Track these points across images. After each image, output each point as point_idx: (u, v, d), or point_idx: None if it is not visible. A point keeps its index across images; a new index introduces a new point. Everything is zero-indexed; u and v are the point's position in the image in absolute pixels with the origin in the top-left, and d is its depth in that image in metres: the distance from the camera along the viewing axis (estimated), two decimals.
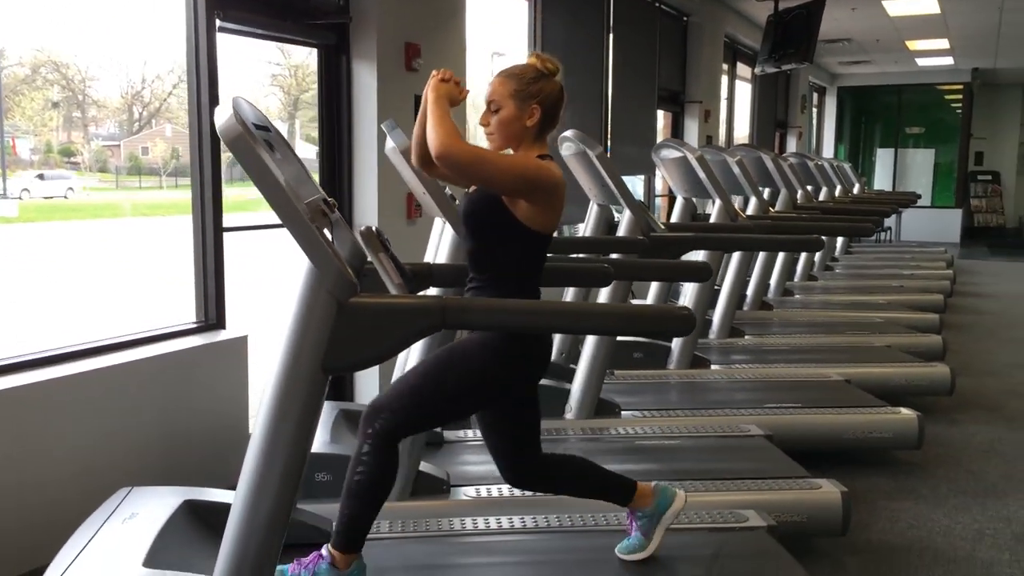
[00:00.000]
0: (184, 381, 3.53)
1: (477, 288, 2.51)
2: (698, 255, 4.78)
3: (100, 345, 3.40)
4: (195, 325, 3.78)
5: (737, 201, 6.29)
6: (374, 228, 2.43)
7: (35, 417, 3.03)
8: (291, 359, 2.10)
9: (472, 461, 3.64)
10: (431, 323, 2.13)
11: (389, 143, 3.31)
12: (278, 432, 2.12)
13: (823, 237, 4.42)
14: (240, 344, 3.78)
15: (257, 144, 2.02)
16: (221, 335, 3.78)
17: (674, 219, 5.70)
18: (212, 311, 3.81)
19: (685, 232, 4.20)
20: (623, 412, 4.23)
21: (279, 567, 2.44)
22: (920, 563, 3.33)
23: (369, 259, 2.38)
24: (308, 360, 2.09)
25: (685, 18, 9.32)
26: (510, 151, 2.52)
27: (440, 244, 3.25)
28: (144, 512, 2.61)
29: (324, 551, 2.43)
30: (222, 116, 2.00)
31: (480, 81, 5.33)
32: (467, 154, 2.34)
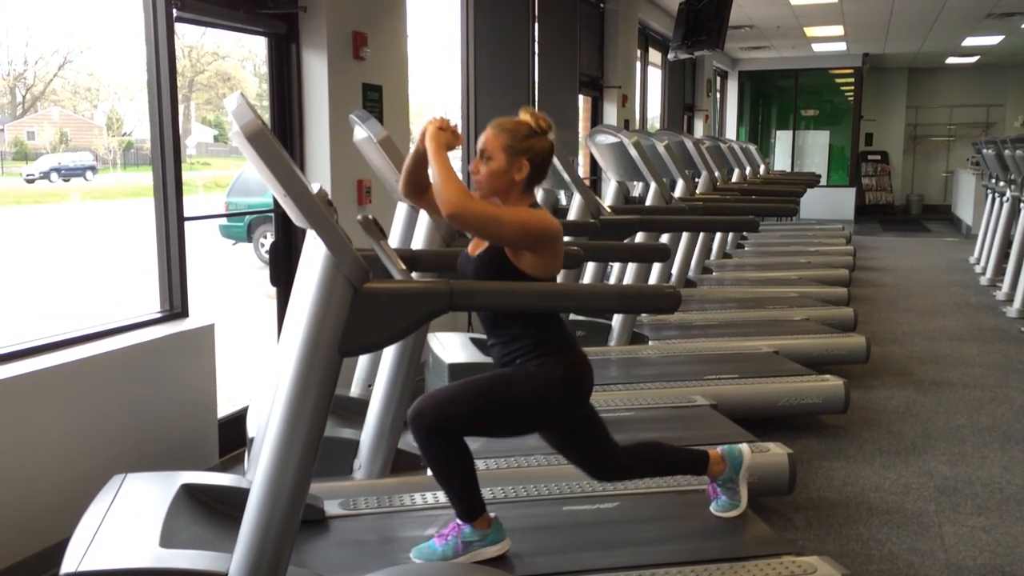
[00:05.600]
0: (155, 371, 3.56)
1: (506, 343, 2.64)
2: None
3: (68, 338, 3.40)
4: (160, 315, 3.80)
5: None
6: (371, 216, 2.55)
7: (12, 412, 3.02)
8: (309, 343, 2.20)
9: None
10: (440, 305, 2.26)
11: (359, 133, 3.40)
12: (297, 414, 2.22)
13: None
14: (207, 332, 3.82)
15: (275, 139, 2.12)
16: (186, 324, 3.81)
17: (608, 202, 5.92)
18: (177, 300, 3.84)
19: (629, 215, 4.41)
20: None
21: (423, 545, 2.72)
22: (858, 516, 3.64)
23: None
24: (326, 343, 2.20)
25: (602, 5, 9.56)
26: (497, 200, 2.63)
27: (415, 230, 3.36)
28: (145, 497, 2.67)
29: (458, 521, 2.69)
30: (242, 114, 2.09)
31: (421, 73, 5.43)
32: (477, 214, 2.47)
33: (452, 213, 2.43)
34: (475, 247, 2.68)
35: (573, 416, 2.71)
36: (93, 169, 12.25)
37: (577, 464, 2.83)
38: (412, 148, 2.69)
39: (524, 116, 2.62)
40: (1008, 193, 9.14)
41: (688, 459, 2.99)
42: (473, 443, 3.30)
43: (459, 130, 2.63)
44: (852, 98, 17.35)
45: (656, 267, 6.03)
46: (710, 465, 2.99)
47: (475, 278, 2.65)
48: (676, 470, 3.04)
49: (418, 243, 3.35)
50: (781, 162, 17.89)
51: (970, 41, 14.50)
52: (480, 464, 3.41)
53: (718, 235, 8.95)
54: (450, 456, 2.62)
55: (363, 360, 4.01)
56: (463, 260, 2.73)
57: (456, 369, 4.25)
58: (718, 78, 16.63)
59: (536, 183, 2.67)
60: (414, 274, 3.11)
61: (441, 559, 2.70)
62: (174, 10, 3.74)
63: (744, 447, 3.09)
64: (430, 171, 2.53)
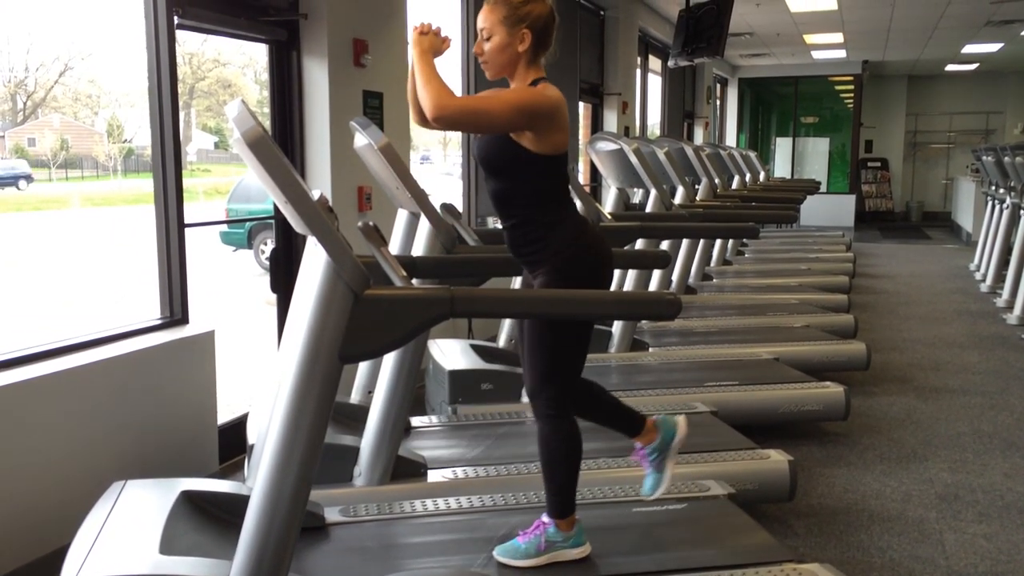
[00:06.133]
0: (155, 377, 3.56)
1: (517, 225, 2.59)
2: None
3: (68, 344, 3.40)
4: (161, 321, 3.80)
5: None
6: (371, 223, 2.54)
7: (11, 418, 3.02)
8: (310, 350, 2.20)
9: (442, 446, 3.78)
10: (441, 312, 2.25)
11: (360, 140, 3.39)
12: (298, 420, 2.21)
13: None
14: (207, 339, 3.81)
15: (276, 146, 2.12)
16: (186, 330, 3.81)
17: (608, 209, 5.92)
18: (177, 307, 3.84)
19: (628, 222, 4.41)
20: None
21: (507, 543, 2.71)
22: (859, 523, 3.63)
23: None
24: (326, 350, 2.19)
25: (602, 12, 9.59)
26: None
27: (416, 236, 3.36)
28: (145, 503, 2.67)
29: (545, 518, 2.65)
30: (243, 121, 2.09)
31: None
32: (460, 110, 2.42)
33: (435, 115, 2.37)
34: None
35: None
36: (28, 178, 11.78)
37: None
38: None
39: None
40: (1008, 200, 9.14)
41: (627, 415, 2.89)
42: None
43: (443, 32, 2.54)
44: (852, 105, 17.37)
45: (656, 274, 6.03)
46: (644, 430, 2.90)
47: (483, 160, 2.61)
48: (613, 421, 2.91)
49: (419, 250, 3.35)
50: (781, 169, 17.90)
51: (969, 48, 14.52)
52: None
53: (718, 242, 8.96)
54: (571, 443, 2.63)
55: (363, 367, 4.01)
56: (474, 142, 2.67)
57: (456, 376, 4.25)
58: (718, 85, 16.66)
59: (542, 52, 2.60)
60: (415, 281, 3.11)
61: (524, 556, 2.67)
62: (175, 17, 3.74)
63: (681, 419, 2.96)
64: (416, 78, 2.43)
